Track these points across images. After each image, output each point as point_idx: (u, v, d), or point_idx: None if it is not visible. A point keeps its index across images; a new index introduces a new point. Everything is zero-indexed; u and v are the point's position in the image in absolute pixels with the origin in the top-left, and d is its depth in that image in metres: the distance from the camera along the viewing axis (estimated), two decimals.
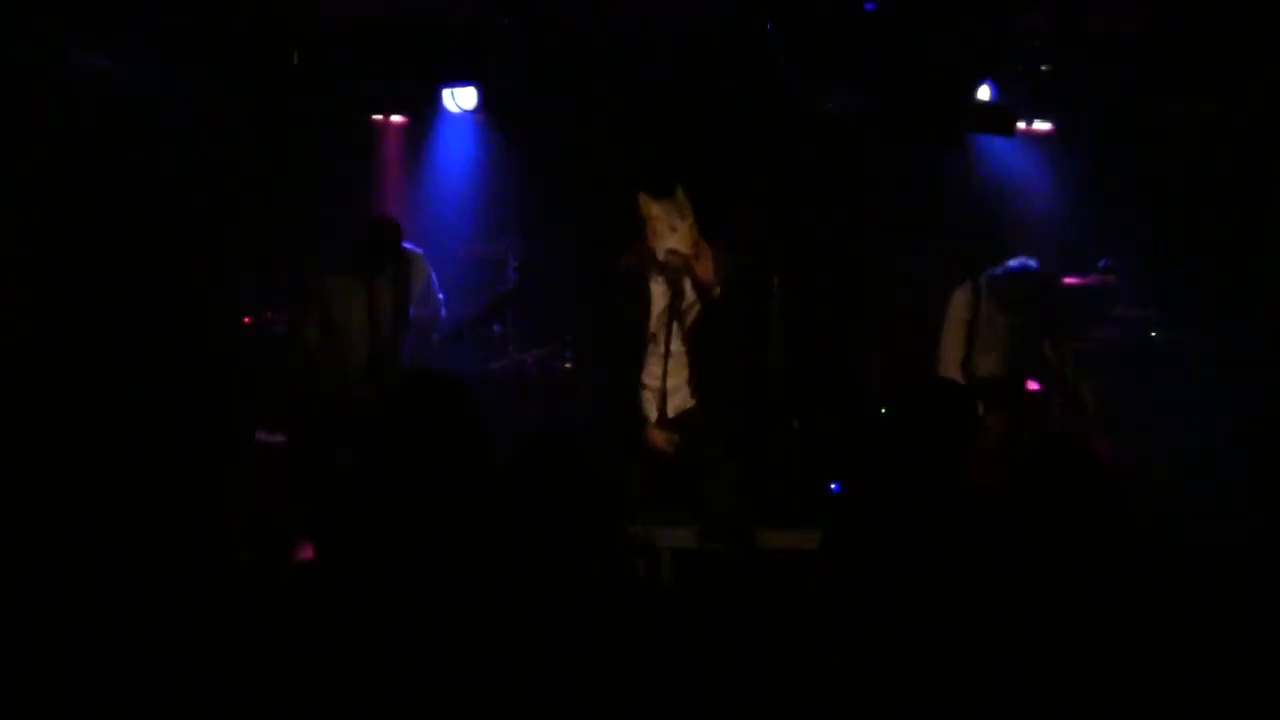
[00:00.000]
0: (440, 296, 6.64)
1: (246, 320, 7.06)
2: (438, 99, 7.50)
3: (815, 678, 2.92)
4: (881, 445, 3.62)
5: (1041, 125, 7.41)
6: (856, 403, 7.12)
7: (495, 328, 7.38)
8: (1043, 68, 6.93)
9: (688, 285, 5.59)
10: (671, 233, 5.55)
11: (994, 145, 6.94)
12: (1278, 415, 3.10)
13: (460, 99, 7.43)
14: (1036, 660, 2.78)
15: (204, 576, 2.74)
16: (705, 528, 5.54)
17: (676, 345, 5.60)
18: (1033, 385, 6.49)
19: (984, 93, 6.89)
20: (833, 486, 6.59)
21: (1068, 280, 6.98)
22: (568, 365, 7.01)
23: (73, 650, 2.60)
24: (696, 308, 5.63)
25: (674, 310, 5.59)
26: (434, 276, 6.65)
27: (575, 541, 2.69)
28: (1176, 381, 6.85)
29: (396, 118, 7.78)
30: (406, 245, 6.53)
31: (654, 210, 5.56)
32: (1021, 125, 7.07)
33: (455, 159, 7.83)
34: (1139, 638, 2.64)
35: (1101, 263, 7.07)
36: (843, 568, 3.45)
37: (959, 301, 6.33)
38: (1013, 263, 6.27)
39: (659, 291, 5.61)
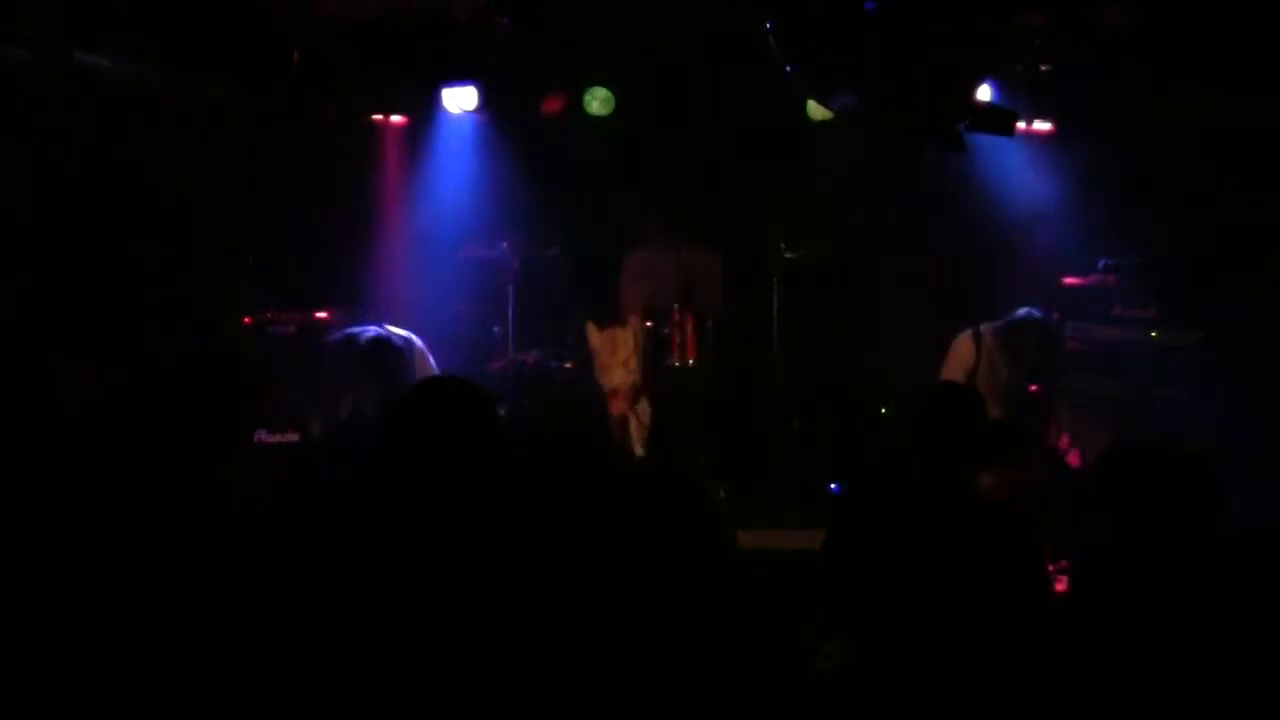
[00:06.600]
0: None
1: (247, 320, 7.05)
2: (438, 99, 7.51)
3: (815, 678, 2.92)
4: (886, 447, 3.63)
5: (1041, 125, 7.41)
6: (856, 403, 7.11)
7: (495, 328, 7.38)
8: (1043, 68, 6.92)
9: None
10: (611, 367, 5.52)
11: (994, 145, 6.93)
12: None
13: (460, 99, 7.43)
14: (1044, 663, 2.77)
15: (206, 577, 2.74)
16: None
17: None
18: (1032, 386, 6.48)
19: (984, 93, 6.88)
20: (832, 486, 6.58)
21: (1068, 280, 6.98)
22: (567, 365, 7.00)
23: (72, 653, 2.60)
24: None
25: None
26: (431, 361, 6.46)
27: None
28: (1176, 382, 6.84)
29: (396, 118, 7.78)
30: (399, 337, 6.39)
31: (595, 341, 5.53)
32: (1021, 125, 7.06)
33: (455, 159, 7.82)
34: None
35: (1101, 263, 7.06)
36: (844, 569, 3.45)
37: (960, 350, 6.29)
38: (1018, 312, 6.25)
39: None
